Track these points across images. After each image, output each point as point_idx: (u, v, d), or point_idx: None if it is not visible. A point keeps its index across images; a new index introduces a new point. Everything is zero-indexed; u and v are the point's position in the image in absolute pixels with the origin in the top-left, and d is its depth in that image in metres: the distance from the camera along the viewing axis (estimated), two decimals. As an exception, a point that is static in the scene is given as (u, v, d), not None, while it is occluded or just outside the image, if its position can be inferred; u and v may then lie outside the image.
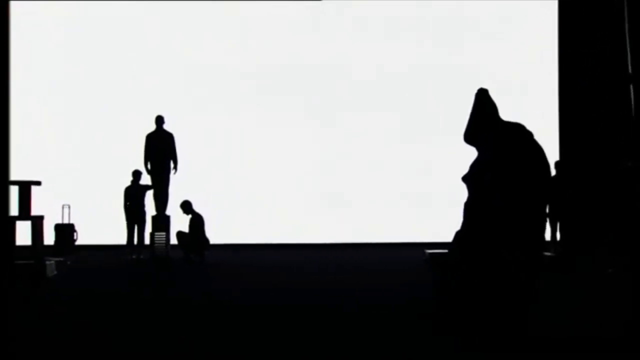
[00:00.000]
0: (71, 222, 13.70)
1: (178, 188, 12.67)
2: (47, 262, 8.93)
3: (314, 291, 8.31)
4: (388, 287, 8.67)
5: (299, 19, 14.80)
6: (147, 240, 12.43)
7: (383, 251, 13.26)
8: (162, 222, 12.53)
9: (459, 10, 15.00)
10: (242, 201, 14.48)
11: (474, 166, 6.50)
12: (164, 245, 12.39)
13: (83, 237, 13.73)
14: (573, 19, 14.65)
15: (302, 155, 14.83)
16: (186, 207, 11.97)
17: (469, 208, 6.41)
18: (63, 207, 13.70)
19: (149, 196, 12.56)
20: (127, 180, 12.40)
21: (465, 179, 6.46)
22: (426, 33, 14.93)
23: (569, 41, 14.71)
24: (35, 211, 14.23)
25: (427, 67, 14.89)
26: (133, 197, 12.32)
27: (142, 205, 12.39)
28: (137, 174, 12.37)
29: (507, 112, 13.73)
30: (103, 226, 13.47)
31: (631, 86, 12.57)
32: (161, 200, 12.57)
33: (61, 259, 9.94)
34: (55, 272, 9.23)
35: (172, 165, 12.53)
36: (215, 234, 12.14)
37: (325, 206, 14.72)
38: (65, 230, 13.60)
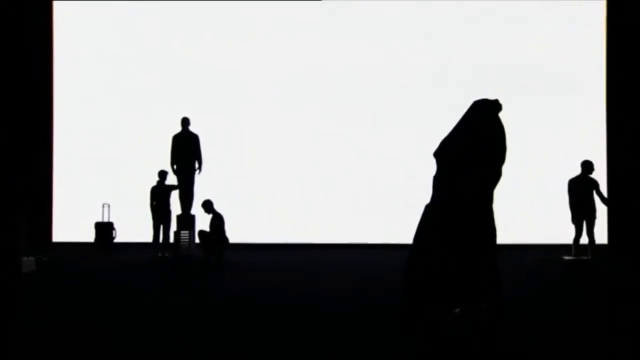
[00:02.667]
0: (110, 220, 14.25)
1: (203, 188, 12.93)
2: (24, 259, 9.28)
3: (314, 292, 8.31)
4: (390, 288, 8.56)
5: (298, 19, 14.78)
6: (172, 239, 12.75)
7: (387, 253, 13.04)
8: (186, 221, 12.82)
9: (459, 9, 14.74)
10: (243, 201, 14.54)
11: (445, 142, 6.45)
12: (187, 244, 12.67)
13: (122, 235, 14.25)
14: (622, 18, 14.08)
15: (303, 156, 14.80)
16: (207, 206, 12.17)
17: (439, 182, 6.39)
18: (103, 206, 14.26)
19: (175, 196, 12.88)
20: (154, 180, 12.78)
21: (437, 154, 6.44)
22: (427, 33, 14.69)
23: (617, 41, 14.14)
24: (76, 210, 14.93)
25: (429, 67, 14.62)
26: (159, 196, 12.66)
27: (168, 205, 12.71)
28: (163, 174, 12.72)
29: (554, 112, 13.32)
30: (140, 225, 13.87)
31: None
32: (186, 200, 12.87)
33: (38, 255, 10.30)
34: (34, 269, 9.59)
35: (196, 165, 12.84)
36: (232, 234, 12.30)
37: (326, 207, 14.65)
38: (104, 228, 14.17)
